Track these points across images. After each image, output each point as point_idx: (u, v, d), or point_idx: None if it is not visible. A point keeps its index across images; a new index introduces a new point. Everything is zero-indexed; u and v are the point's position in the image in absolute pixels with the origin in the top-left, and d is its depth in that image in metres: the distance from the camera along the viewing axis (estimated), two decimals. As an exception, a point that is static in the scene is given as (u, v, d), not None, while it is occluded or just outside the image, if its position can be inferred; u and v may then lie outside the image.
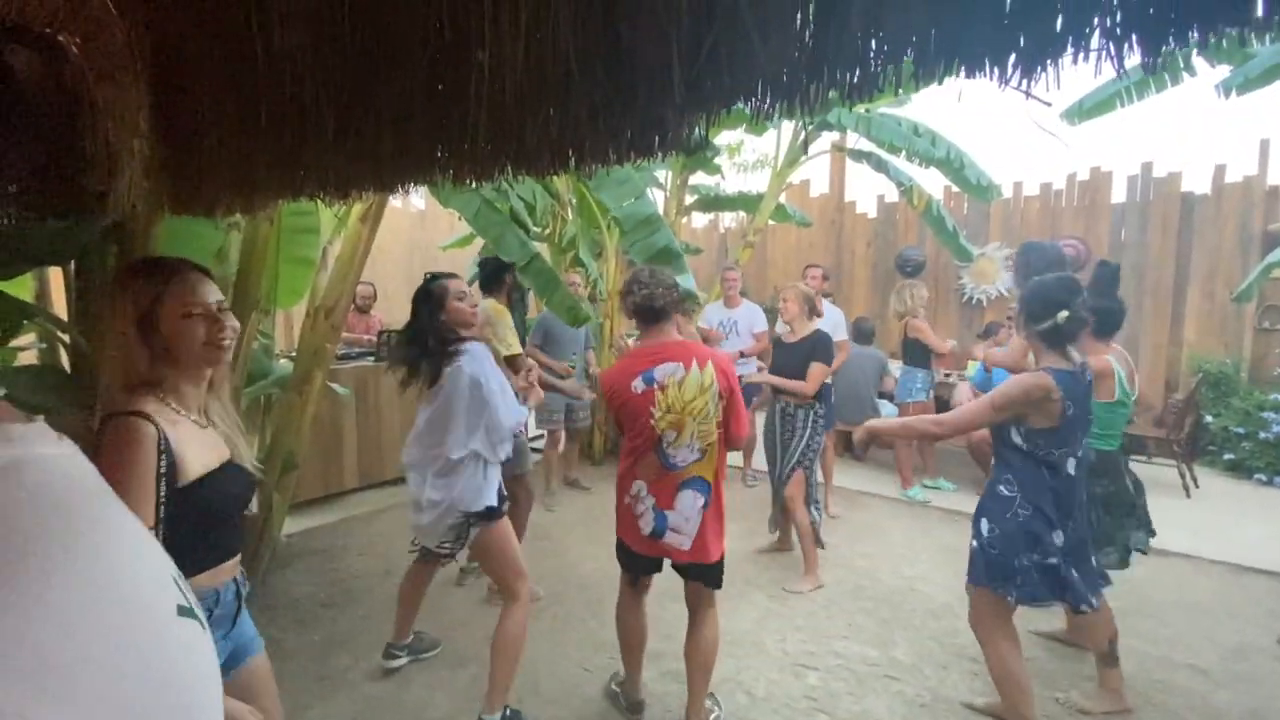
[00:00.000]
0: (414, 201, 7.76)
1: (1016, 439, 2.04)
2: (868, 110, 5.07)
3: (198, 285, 1.28)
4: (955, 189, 5.80)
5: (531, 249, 3.48)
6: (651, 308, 2.12)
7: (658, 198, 6.35)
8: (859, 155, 5.76)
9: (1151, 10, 0.61)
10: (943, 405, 5.33)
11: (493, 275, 3.22)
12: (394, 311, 7.48)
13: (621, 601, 2.38)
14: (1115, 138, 6.95)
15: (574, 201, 5.16)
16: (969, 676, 2.63)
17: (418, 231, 7.86)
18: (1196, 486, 5.06)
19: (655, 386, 2.07)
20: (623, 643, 2.39)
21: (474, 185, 1.52)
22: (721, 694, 2.52)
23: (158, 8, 1.68)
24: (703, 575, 2.20)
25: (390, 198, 3.44)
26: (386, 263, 7.42)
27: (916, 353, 4.98)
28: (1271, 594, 3.40)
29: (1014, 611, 2.12)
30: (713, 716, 2.34)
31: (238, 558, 1.34)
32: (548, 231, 5.19)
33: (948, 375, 5.84)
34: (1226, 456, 5.56)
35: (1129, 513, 2.60)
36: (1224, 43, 0.64)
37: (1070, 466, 2.04)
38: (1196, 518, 4.51)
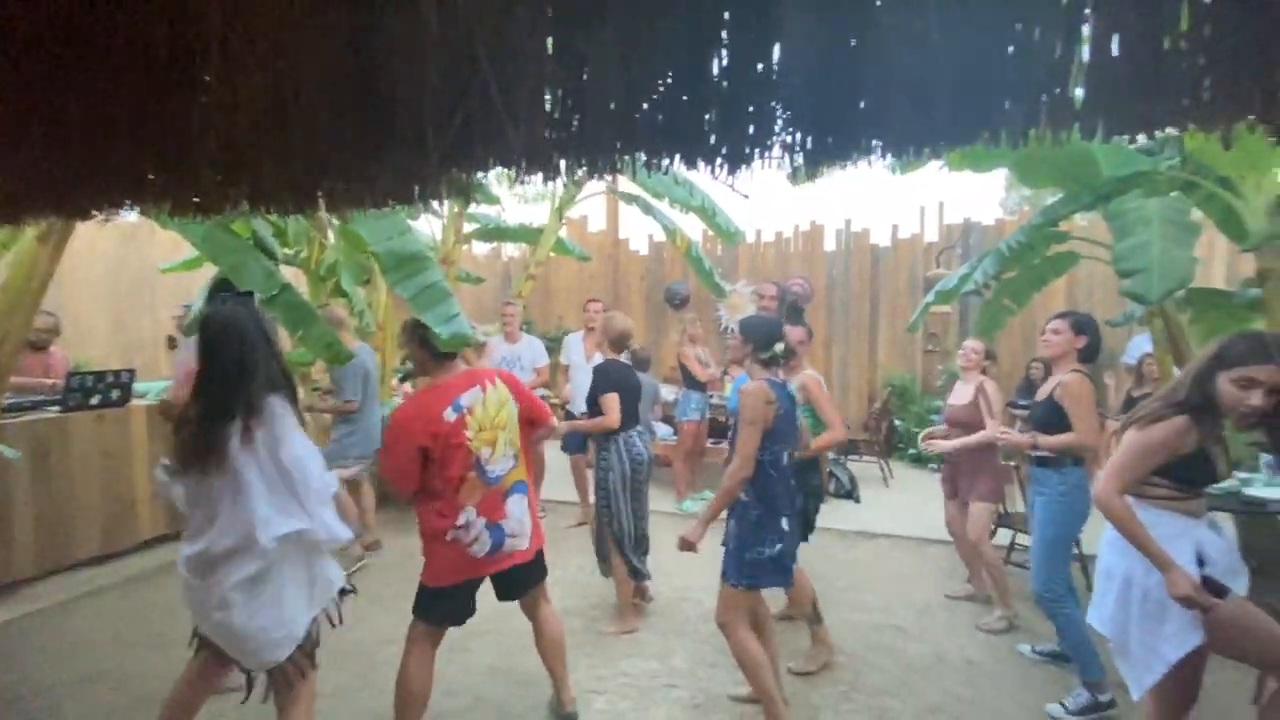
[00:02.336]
0: (123, 214, 6.39)
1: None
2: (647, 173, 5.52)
3: None
4: (710, 233, 6.57)
5: (280, 279, 3.09)
6: (438, 349, 2.35)
7: (434, 225, 6.13)
8: (629, 198, 6.22)
9: (809, 141, 0.80)
10: (717, 425, 5.91)
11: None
12: (89, 347, 6.03)
13: (415, 658, 2.30)
14: (827, 197, 8.53)
15: (335, 224, 4.74)
16: (732, 670, 2.93)
17: (127, 249, 6.47)
18: (893, 476, 6.33)
19: (464, 411, 2.23)
20: (408, 705, 2.26)
21: (197, 218, 1.32)
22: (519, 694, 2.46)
23: None
24: (532, 572, 2.43)
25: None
26: (79, 287, 5.97)
27: (690, 377, 5.51)
28: (946, 559, 4.36)
29: (753, 600, 2.45)
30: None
31: None
32: (303, 256, 4.66)
33: (711, 396, 6.52)
34: (910, 451, 7.07)
35: (818, 500, 3.19)
36: (869, 163, 0.87)
37: (784, 459, 2.45)
38: (894, 502, 5.64)
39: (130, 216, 6.58)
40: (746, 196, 0.88)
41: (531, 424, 2.45)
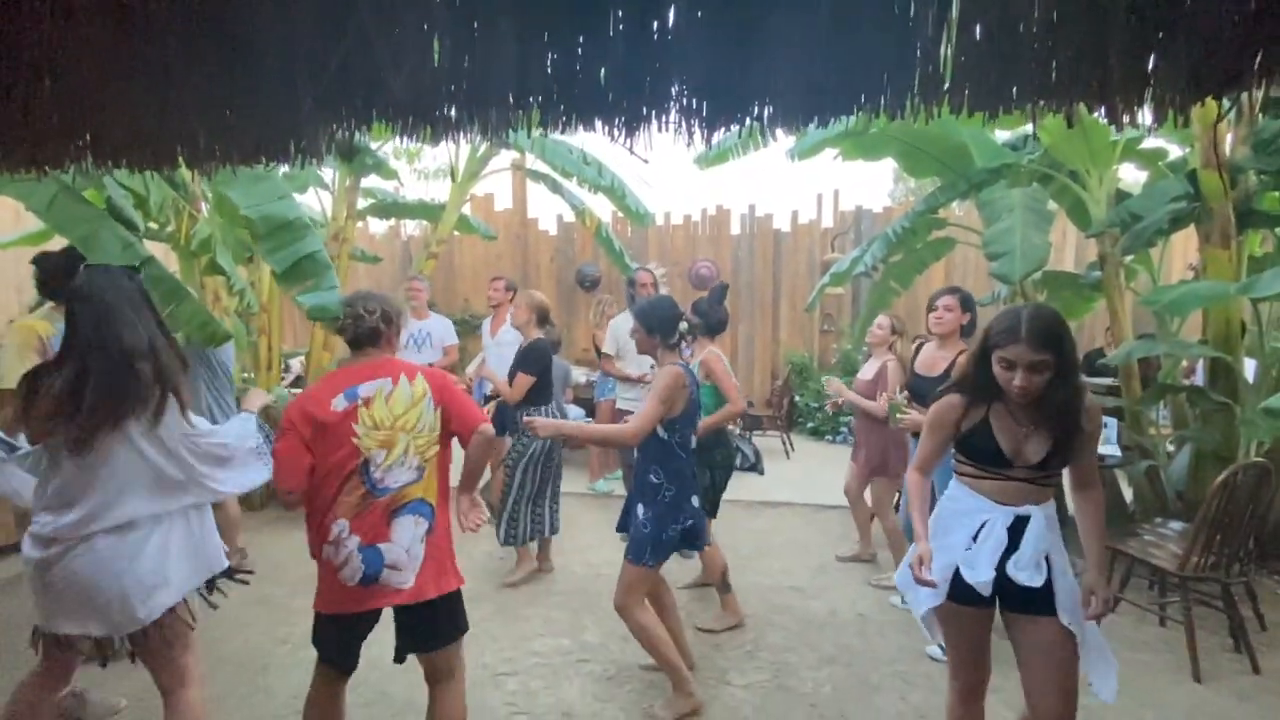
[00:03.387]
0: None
1: (661, 432, 2.42)
2: (543, 134, 5.39)
3: None
4: (620, 214, 6.57)
5: (142, 251, 2.76)
6: (356, 334, 1.93)
7: (324, 199, 5.72)
8: (537, 176, 6.09)
9: (705, 106, 0.82)
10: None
11: (65, 276, 2.41)
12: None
13: (313, 695, 1.99)
14: (732, 183, 8.75)
15: (209, 195, 4.30)
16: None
17: (-52, 220, 5.58)
18: (794, 449, 6.68)
19: (359, 402, 1.87)
20: None
21: (29, 171, 1.15)
22: (417, 729, 2.39)
23: None
24: (437, 618, 1.94)
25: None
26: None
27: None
28: (840, 523, 4.65)
29: (655, 579, 2.51)
30: None
31: None
32: (170, 230, 4.20)
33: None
34: (809, 425, 7.48)
35: (726, 474, 3.26)
36: (755, 128, 0.89)
37: (691, 442, 2.52)
38: (795, 473, 5.95)
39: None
40: (646, 161, 0.88)
41: (459, 435, 1.99)
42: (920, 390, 3.03)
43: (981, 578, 1.69)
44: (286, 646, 2.99)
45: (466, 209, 6.30)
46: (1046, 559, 1.70)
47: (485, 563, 3.95)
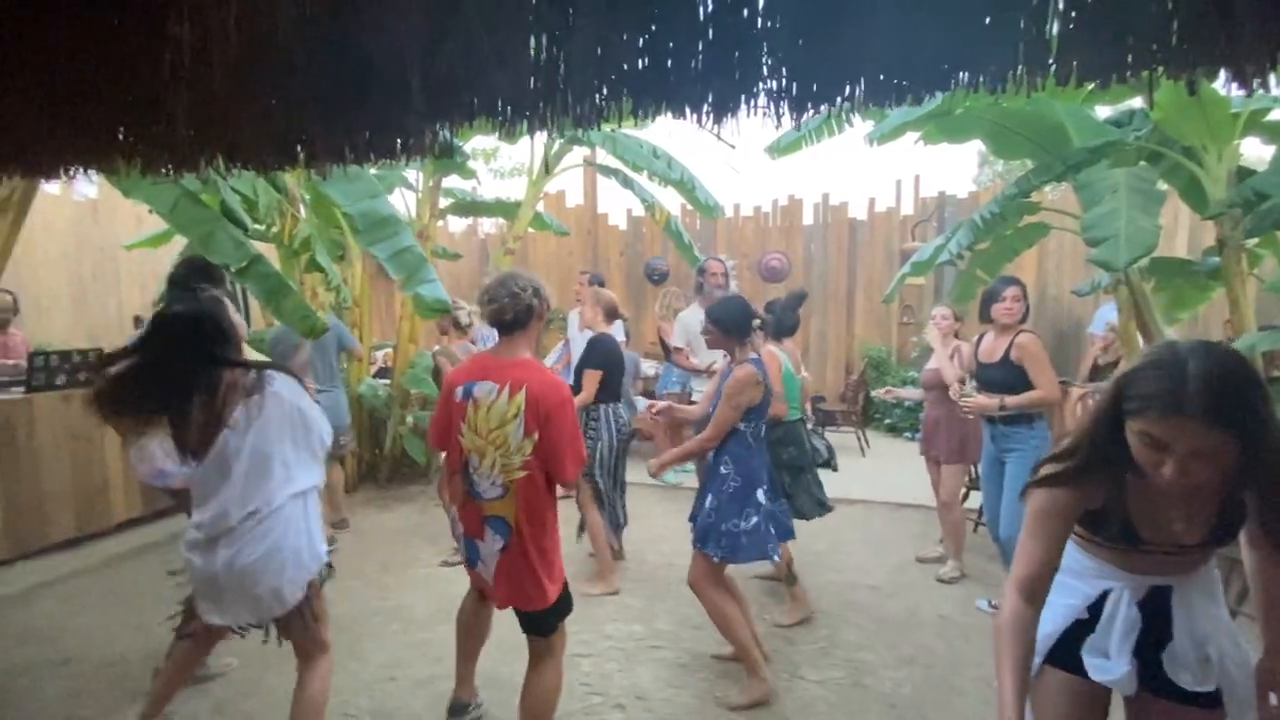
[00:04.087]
0: (82, 189, 6.15)
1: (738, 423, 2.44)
2: (614, 130, 5.45)
3: None
4: (689, 207, 6.55)
5: (251, 250, 3.01)
6: (501, 320, 1.93)
7: (409, 199, 6.01)
8: (608, 171, 6.16)
9: (793, 87, 0.82)
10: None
11: (202, 279, 2.65)
12: (50, 328, 5.84)
13: (465, 603, 2.30)
14: (805, 172, 8.54)
15: (307, 199, 4.62)
16: (716, 632, 3.01)
17: (88, 226, 6.24)
18: (869, 446, 6.48)
19: (470, 400, 1.90)
20: (457, 635, 2.31)
21: (172, 175, 1.29)
22: (501, 699, 2.50)
23: None
24: (525, 621, 2.02)
25: (43, 184, 2.70)
26: (37, 266, 5.77)
27: (669, 351, 5.53)
28: (918, 522, 4.49)
29: (723, 568, 2.51)
30: None
31: None
32: (274, 231, 4.55)
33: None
34: (886, 421, 7.22)
35: (800, 475, 3.27)
36: (847, 108, 0.88)
37: (762, 432, 2.54)
38: (870, 470, 5.77)
39: (90, 192, 6.36)
40: (733, 147, 0.89)
41: (543, 474, 1.92)
42: (986, 378, 3.06)
43: (1115, 673, 1.23)
44: (379, 618, 3.18)
45: (540, 206, 6.46)
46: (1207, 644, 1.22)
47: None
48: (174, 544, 2.90)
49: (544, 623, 2.00)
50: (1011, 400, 2.90)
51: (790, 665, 2.76)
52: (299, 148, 1.14)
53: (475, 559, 1.99)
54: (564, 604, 2.04)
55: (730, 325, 2.50)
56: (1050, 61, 0.79)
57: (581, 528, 3.58)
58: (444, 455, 2.09)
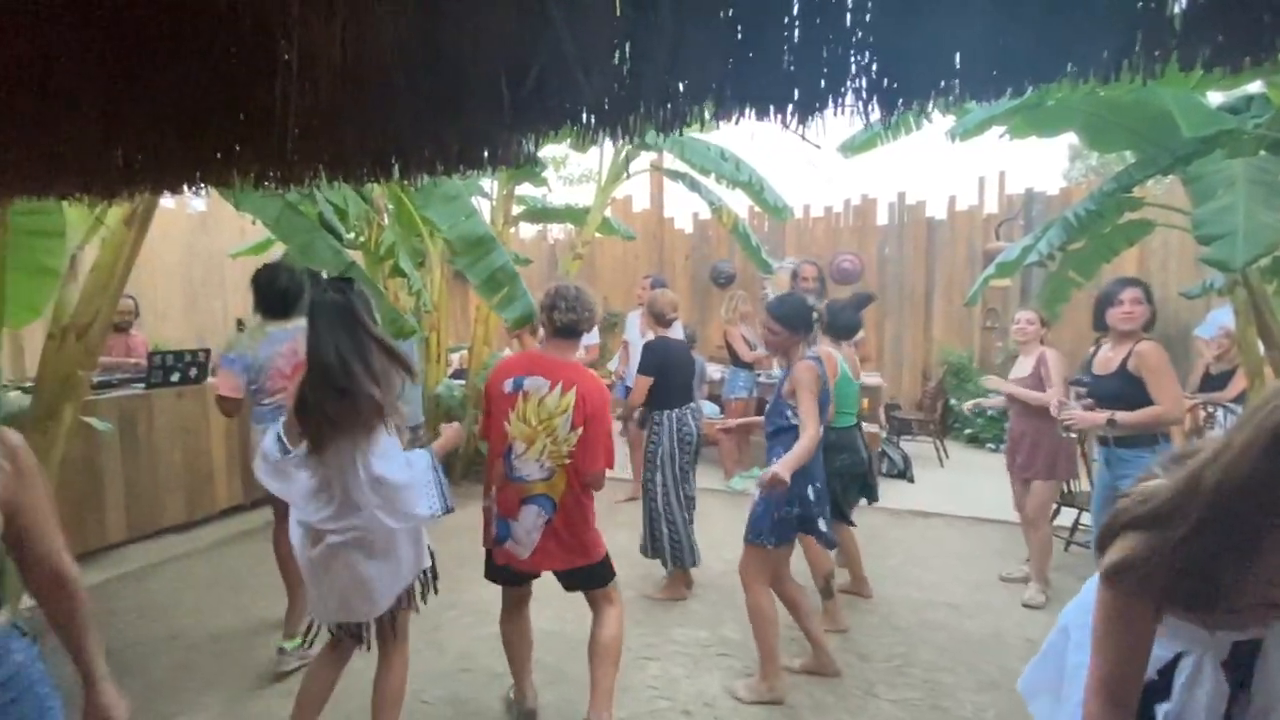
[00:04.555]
0: (192, 202, 6.72)
1: (794, 418, 2.43)
2: (681, 134, 5.46)
3: None
4: (757, 209, 6.47)
5: (346, 257, 3.21)
6: (565, 325, 2.19)
7: (483, 207, 6.23)
8: (675, 175, 6.17)
9: (885, 82, 0.79)
10: (765, 403, 5.86)
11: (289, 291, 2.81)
12: (165, 330, 6.39)
13: (503, 614, 2.39)
14: (879, 170, 8.26)
15: (390, 208, 4.87)
16: (787, 642, 2.94)
17: (197, 236, 6.82)
18: (948, 456, 6.18)
19: (520, 393, 2.12)
20: (506, 652, 2.41)
21: (279, 189, 1.39)
22: (570, 697, 2.55)
23: None
24: (574, 579, 2.27)
25: (161, 197, 2.98)
26: (155, 273, 6.33)
27: (736, 356, 5.48)
28: (1000, 538, 4.25)
29: (775, 559, 2.50)
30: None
31: None
32: (362, 239, 4.83)
33: (759, 375, 6.47)
34: (967, 431, 6.86)
35: (853, 481, 3.15)
36: (941, 104, 0.84)
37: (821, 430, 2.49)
38: (948, 482, 5.50)
39: (200, 205, 6.93)
40: (819, 146, 0.88)
41: (574, 463, 2.13)
42: (1100, 391, 2.76)
43: None
44: (454, 611, 3.30)
45: (608, 211, 6.54)
46: None
47: (628, 549, 4.08)
48: (269, 531, 3.12)
49: (600, 575, 2.26)
50: (1124, 417, 2.57)
51: (864, 682, 2.67)
52: (394, 160, 1.20)
53: (505, 536, 2.18)
54: (610, 563, 2.29)
55: (796, 321, 2.49)
56: (1173, 44, 0.73)
57: (676, 549, 3.46)
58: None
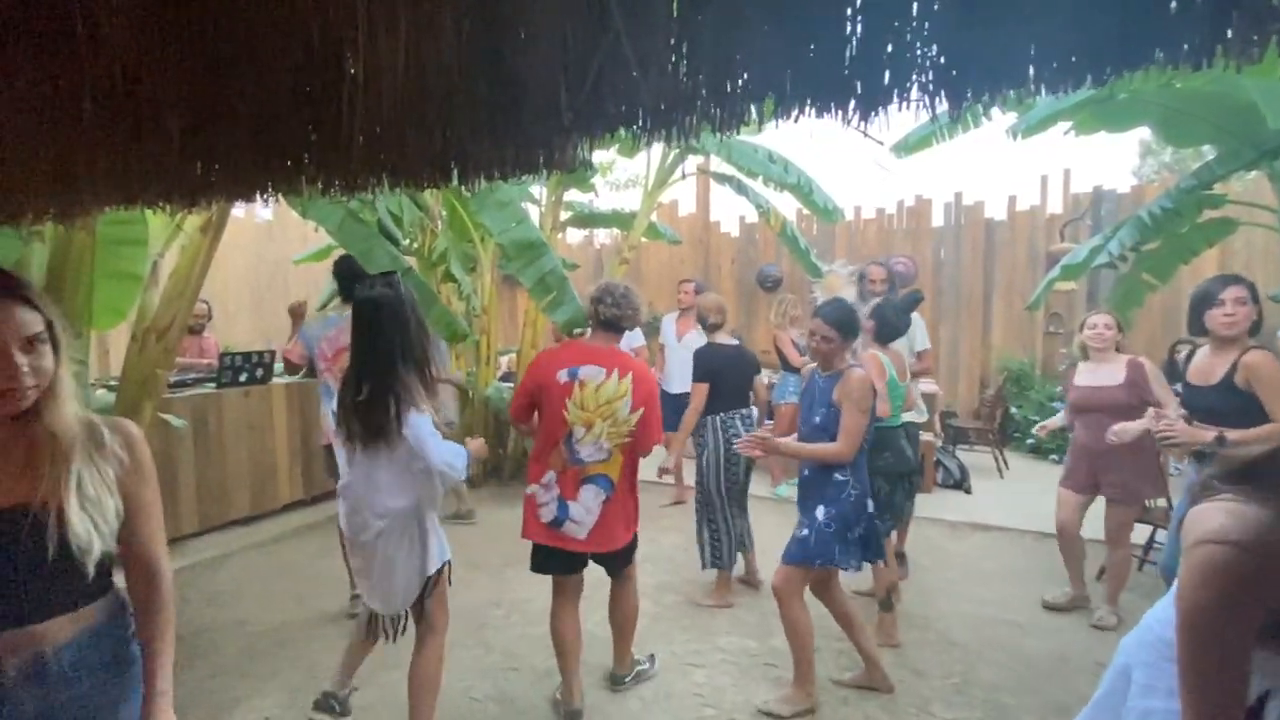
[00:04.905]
0: (259, 211, 7.08)
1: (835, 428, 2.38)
2: (737, 133, 5.41)
3: None
4: (806, 211, 6.36)
5: (403, 263, 3.33)
6: (610, 319, 2.34)
7: (532, 212, 6.33)
8: (722, 178, 6.13)
9: (954, 73, 0.76)
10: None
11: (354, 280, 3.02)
12: (234, 332, 6.74)
13: (552, 608, 2.44)
14: (934, 170, 8.01)
15: (444, 214, 5.01)
16: (836, 655, 2.87)
17: (264, 244, 7.18)
18: (1008, 468, 5.91)
19: (576, 382, 2.25)
20: (555, 648, 2.44)
21: (344, 197, 1.45)
22: (614, 698, 2.55)
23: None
24: (614, 560, 2.42)
25: (234, 206, 3.15)
26: (225, 278, 6.69)
27: (786, 361, 5.40)
28: (1065, 554, 4.03)
29: (817, 575, 2.46)
30: (639, 669, 2.65)
31: (23, 631, 1.04)
32: (416, 245, 4.97)
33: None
34: (1028, 441, 6.54)
35: (899, 482, 3.07)
36: (1007, 99, 0.80)
37: (868, 442, 2.47)
38: (1009, 494, 5.27)
39: (266, 215, 7.28)
40: (881, 144, 0.85)
41: (635, 440, 2.34)
42: (1199, 404, 2.49)
43: None
44: (501, 609, 3.35)
45: (654, 216, 6.56)
46: None
47: (672, 553, 4.07)
48: (330, 525, 3.24)
49: (627, 557, 2.47)
50: (1237, 435, 2.27)
51: (919, 700, 2.57)
52: (453, 165, 1.23)
53: (564, 518, 2.30)
54: (636, 542, 2.50)
55: (848, 327, 2.44)
56: (1276, 26, 0.67)
57: (715, 550, 3.42)
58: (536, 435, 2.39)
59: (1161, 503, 3.58)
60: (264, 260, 7.17)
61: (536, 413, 2.36)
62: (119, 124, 1.34)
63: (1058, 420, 3.46)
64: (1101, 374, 3.16)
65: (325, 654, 2.88)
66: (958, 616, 3.23)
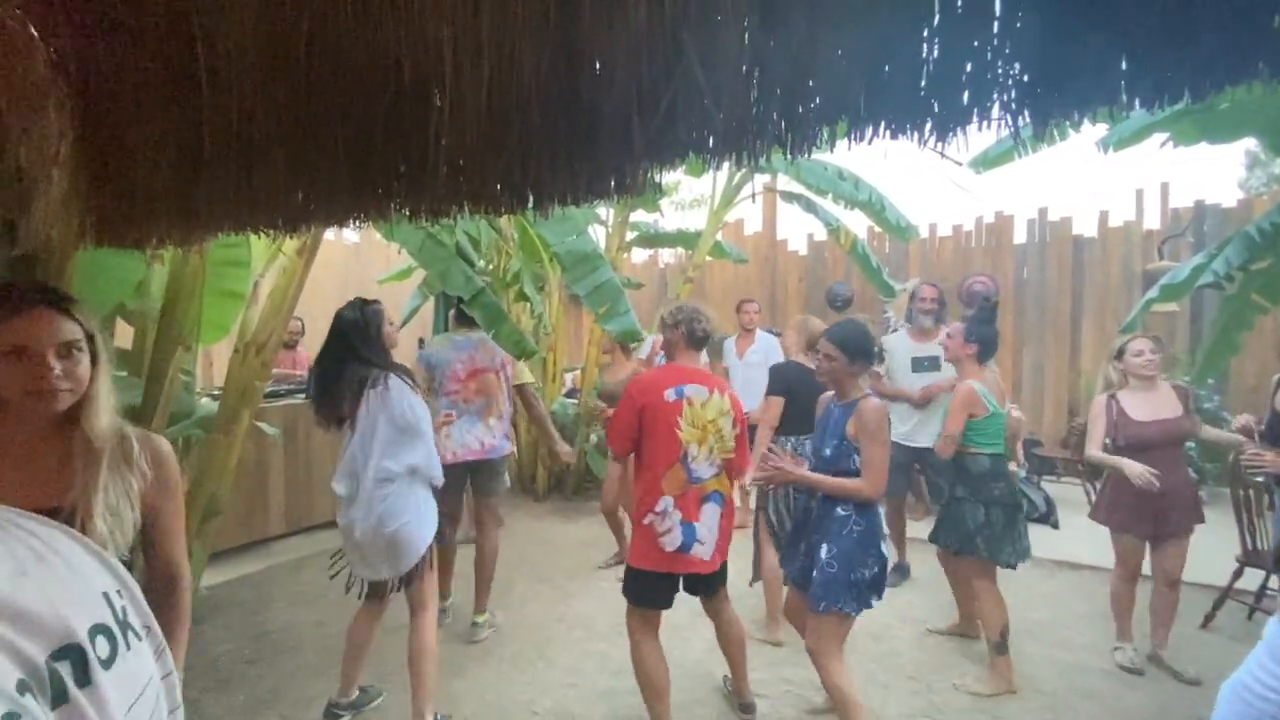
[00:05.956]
0: (348, 234, 7.57)
1: (855, 462, 2.16)
2: (808, 156, 5.37)
3: (31, 322, 1.08)
4: (877, 229, 6.20)
5: (478, 283, 3.47)
6: (698, 336, 2.43)
7: (599, 234, 6.47)
8: (790, 197, 6.08)
9: (1039, 90, 0.73)
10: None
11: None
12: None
13: (637, 646, 2.31)
14: (1015, 185, 7.63)
15: (516, 236, 5.19)
16: (910, 695, 2.73)
17: (352, 265, 7.65)
18: (1099, 503, 5.47)
19: (685, 400, 2.28)
20: (647, 688, 2.28)
21: (428, 222, 1.55)
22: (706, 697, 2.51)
23: (87, 34, 1.64)
24: (715, 580, 2.41)
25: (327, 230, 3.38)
26: (317, 297, 7.14)
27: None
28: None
29: (850, 627, 2.20)
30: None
31: None
32: (491, 266, 5.18)
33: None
34: (1123, 474, 6.06)
35: (1015, 512, 2.89)
36: (1103, 114, 0.77)
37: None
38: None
39: (353, 237, 7.76)
40: (959, 164, 0.83)
41: (732, 460, 2.38)
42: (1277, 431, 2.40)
43: None
44: (563, 624, 3.38)
45: (719, 235, 6.56)
46: None
47: (734, 579, 3.98)
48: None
49: (725, 574, 2.45)
50: None
51: (1000, 749, 2.41)
52: (529, 192, 1.29)
53: (691, 541, 2.27)
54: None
55: (855, 348, 2.20)
56: None
57: (756, 571, 3.34)
58: (631, 462, 2.41)
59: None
60: (351, 279, 7.63)
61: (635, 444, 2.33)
62: (233, 160, 1.48)
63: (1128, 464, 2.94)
64: (1156, 405, 2.94)
65: (394, 657, 2.98)
66: (1045, 661, 3.01)
